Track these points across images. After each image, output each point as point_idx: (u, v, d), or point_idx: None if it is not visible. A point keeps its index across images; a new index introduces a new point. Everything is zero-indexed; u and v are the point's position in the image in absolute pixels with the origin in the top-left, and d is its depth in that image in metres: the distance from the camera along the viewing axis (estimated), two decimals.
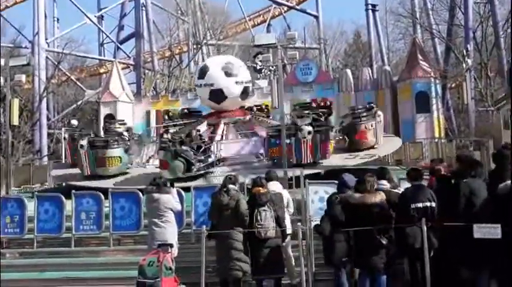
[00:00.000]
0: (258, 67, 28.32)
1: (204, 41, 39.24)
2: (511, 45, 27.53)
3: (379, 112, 17.99)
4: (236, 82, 19.77)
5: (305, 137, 14.71)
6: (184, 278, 7.78)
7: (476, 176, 6.85)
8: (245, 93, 20.21)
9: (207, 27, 39.81)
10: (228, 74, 19.55)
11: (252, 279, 7.39)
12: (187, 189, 9.97)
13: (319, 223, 7.19)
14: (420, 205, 6.78)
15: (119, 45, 45.22)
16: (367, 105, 18.68)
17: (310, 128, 14.87)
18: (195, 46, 39.18)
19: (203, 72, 20.41)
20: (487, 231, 6.36)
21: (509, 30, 31.32)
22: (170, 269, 6.88)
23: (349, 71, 31.11)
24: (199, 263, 7.33)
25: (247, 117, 20.13)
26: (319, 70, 31.44)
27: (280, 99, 15.45)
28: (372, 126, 16.64)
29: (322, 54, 42.68)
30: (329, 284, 7.24)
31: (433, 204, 6.81)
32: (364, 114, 17.28)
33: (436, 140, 24.61)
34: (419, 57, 28.20)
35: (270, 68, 16.16)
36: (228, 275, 7.11)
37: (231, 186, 7.44)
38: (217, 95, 19.77)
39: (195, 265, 7.66)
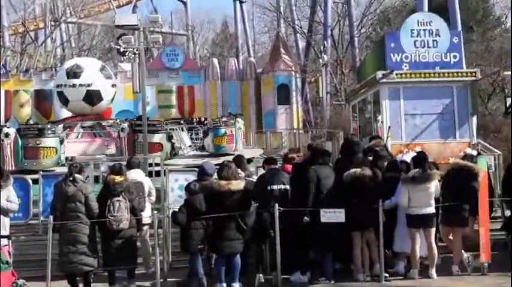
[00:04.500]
0: (122, 50, 27.17)
1: (63, 18, 36.56)
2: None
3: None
4: (112, 85, 19.27)
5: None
6: (29, 272, 7.28)
7: (324, 163, 7.31)
8: (92, 97, 19.62)
9: (66, 3, 37.13)
10: (106, 76, 18.89)
11: (103, 271, 7.06)
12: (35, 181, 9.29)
13: (177, 210, 7.10)
14: (276, 187, 7.08)
15: None
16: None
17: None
18: (52, 23, 36.29)
19: (76, 72, 19.40)
20: (332, 215, 6.82)
21: (363, 30, 34.01)
22: (7, 263, 6.31)
23: (215, 60, 31.30)
24: (45, 255, 6.80)
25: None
26: (186, 57, 31.17)
27: (142, 84, 14.98)
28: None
29: (190, 41, 42.37)
30: (185, 272, 7.19)
31: (287, 187, 7.13)
32: (225, 119, 17.83)
33: (295, 130, 25.88)
34: (282, 51, 29.35)
35: (135, 51, 15.59)
36: (72, 270, 6.70)
37: (77, 175, 6.90)
38: (93, 97, 19.09)
39: (41, 258, 7.12)
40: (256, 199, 7.01)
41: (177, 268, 7.70)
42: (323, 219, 6.85)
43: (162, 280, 6.99)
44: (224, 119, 18.57)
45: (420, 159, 7.24)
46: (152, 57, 35.12)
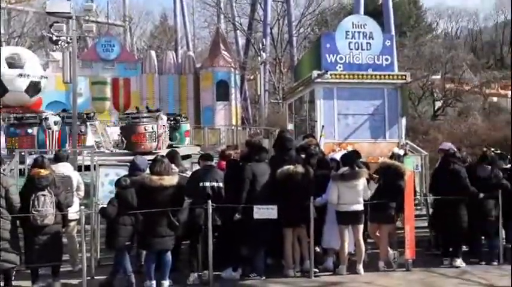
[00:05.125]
0: (54, 38, 26.08)
1: None
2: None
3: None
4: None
5: (50, 128, 14.40)
6: None
7: (260, 160, 7.33)
8: (33, 89, 18.54)
9: None
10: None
11: (26, 268, 6.72)
12: None
13: (105, 206, 6.87)
14: (208, 183, 7.02)
15: None
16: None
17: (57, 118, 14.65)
18: None
19: (17, 61, 18.50)
20: (264, 212, 6.86)
21: (301, 30, 34.54)
22: None
23: (153, 53, 30.75)
24: None
25: None
26: (122, 48, 30.40)
27: (73, 74, 14.38)
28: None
29: (127, 32, 41.32)
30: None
31: (220, 184, 7.08)
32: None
33: (233, 127, 25.92)
34: (222, 47, 29.29)
35: (68, 40, 14.94)
36: None
37: None
38: (34, 88, 18.56)
39: None
40: (189, 195, 6.92)
41: (105, 265, 7.45)
42: (256, 215, 6.87)
43: (89, 278, 6.75)
44: (145, 114, 17.48)
45: (349, 157, 7.42)
46: (86, 47, 33.96)
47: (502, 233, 8.07)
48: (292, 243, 7.22)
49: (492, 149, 9.46)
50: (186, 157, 13.29)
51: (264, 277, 7.00)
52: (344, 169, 7.21)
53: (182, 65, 29.85)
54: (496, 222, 7.86)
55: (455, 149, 8.57)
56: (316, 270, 7.15)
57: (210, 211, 6.72)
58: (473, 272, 7.21)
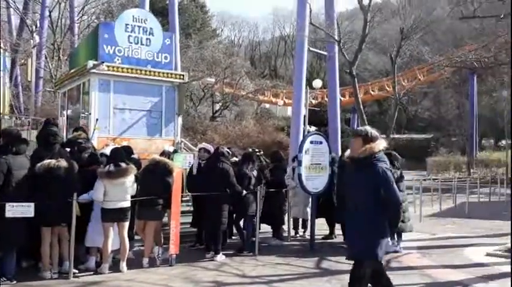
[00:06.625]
0: None
1: None
2: None
3: None
4: None
5: None
6: None
7: (19, 152, 6.60)
8: None
9: None
10: None
11: None
12: None
13: None
14: None
15: None
16: None
17: None
18: None
19: None
20: (19, 210, 6.22)
21: (85, 17, 32.73)
22: None
23: None
24: None
25: None
26: None
27: None
28: None
29: None
30: None
31: None
32: None
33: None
34: None
35: None
36: None
37: None
38: None
39: None
40: None
41: None
42: (8, 214, 6.17)
43: None
44: None
45: (116, 153, 7.21)
46: None
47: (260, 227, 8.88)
48: (52, 243, 6.70)
49: (257, 151, 10.36)
50: None
51: (15, 282, 6.32)
52: (110, 165, 6.97)
53: None
54: (252, 217, 8.57)
55: (212, 149, 8.99)
56: (76, 271, 6.77)
57: None
58: (231, 264, 7.70)
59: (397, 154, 9.29)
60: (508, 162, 29.08)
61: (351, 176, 4.76)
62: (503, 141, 34.36)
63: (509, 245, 8.94)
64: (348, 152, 4.88)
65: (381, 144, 4.60)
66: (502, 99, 29.60)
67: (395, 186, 4.55)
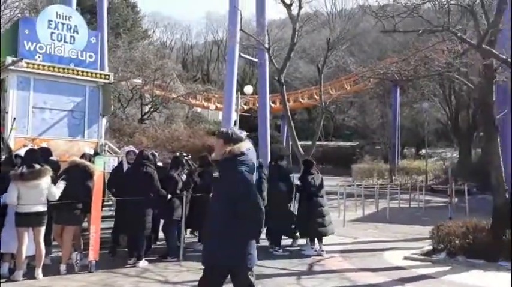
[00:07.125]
0: None
1: None
2: None
3: None
4: None
5: None
6: None
7: None
8: None
9: None
10: None
11: None
12: None
13: None
14: None
15: None
16: None
17: None
18: None
19: None
20: None
21: (7, 11, 30.98)
22: None
23: None
24: None
25: None
26: None
27: None
28: None
29: None
30: None
31: None
32: None
33: None
34: None
35: None
36: None
37: None
38: None
39: None
40: None
41: None
42: None
43: None
44: None
45: (29, 154, 6.87)
46: None
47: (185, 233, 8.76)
48: None
49: (184, 155, 10.24)
50: None
51: None
52: (24, 167, 6.61)
53: None
54: (177, 221, 8.44)
55: (137, 151, 8.80)
56: None
57: None
58: (154, 270, 7.53)
59: (312, 160, 9.64)
60: (426, 170, 30.73)
61: (215, 179, 4.30)
62: (423, 151, 36.21)
63: (426, 249, 9.44)
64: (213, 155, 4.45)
65: (243, 146, 4.23)
66: (423, 110, 31.17)
67: (255, 189, 4.18)
